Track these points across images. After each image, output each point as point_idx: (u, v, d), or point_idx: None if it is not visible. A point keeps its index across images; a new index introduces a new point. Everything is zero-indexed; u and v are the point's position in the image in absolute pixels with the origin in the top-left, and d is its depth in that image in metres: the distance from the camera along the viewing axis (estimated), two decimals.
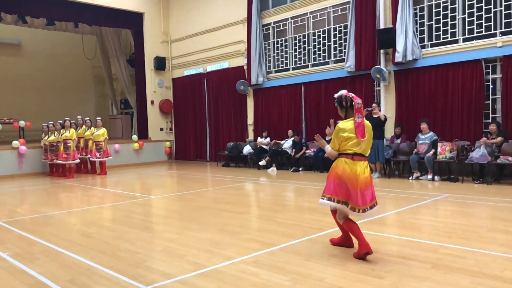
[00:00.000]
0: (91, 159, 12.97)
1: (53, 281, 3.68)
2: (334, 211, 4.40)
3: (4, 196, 9.38)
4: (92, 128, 13.05)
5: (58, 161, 12.27)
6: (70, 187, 10.40)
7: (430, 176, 9.22)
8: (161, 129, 17.15)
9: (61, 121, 12.75)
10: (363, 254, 3.97)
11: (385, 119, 9.91)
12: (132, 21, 16.42)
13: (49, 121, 13.34)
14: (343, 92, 4.36)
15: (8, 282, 3.72)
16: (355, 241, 4.25)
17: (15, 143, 13.01)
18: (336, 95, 4.37)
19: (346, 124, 4.19)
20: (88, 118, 13.42)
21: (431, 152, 9.19)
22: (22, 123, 14.62)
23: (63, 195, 9.24)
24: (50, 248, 4.75)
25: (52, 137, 12.63)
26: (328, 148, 4.33)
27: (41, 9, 14.40)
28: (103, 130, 12.93)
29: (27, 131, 15.16)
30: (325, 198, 4.25)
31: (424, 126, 9.59)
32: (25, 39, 19.44)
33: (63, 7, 14.54)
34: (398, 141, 10.30)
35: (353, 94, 4.29)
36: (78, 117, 13.48)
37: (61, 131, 12.40)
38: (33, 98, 19.26)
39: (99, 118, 13.53)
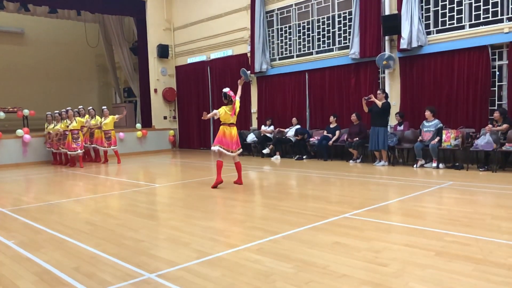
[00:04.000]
0: (101, 148, 12.88)
1: (58, 269, 3.70)
2: (218, 161, 7.73)
3: (9, 184, 9.44)
4: (98, 117, 12.95)
5: (69, 152, 12.11)
6: (74, 176, 10.44)
7: (434, 164, 9.18)
8: (165, 118, 17.14)
9: (64, 110, 12.71)
10: (217, 184, 7.62)
11: (384, 106, 9.72)
12: (134, 8, 16.31)
13: (52, 110, 13.37)
14: (227, 90, 7.81)
15: (14, 270, 3.75)
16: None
17: (19, 131, 13.05)
18: (224, 91, 7.83)
19: (227, 109, 7.70)
20: (91, 107, 13.29)
21: (436, 140, 9.14)
22: (26, 111, 14.64)
23: (68, 184, 9.28)
24: (55, 236, 4.78)
25: (58, 126, 12.55)
26: (216, 111, 7.76)
27: None
28: (111, 118, 12.81)
29: (31, 120, 15.17)
30: (216, 146, 7.65)
31: (428, 113, 9.51)
32: (28, 28, 19.35)
33: None
34: (401, 128, 10.23)
35: (232, 94, 7.73)
36: (80, 106, 13.44)
37: (66, 121, 12.28)
38: (36, 87, 19.26)
39: (105, 107, 13.37)
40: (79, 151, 12.03)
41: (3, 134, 12.84)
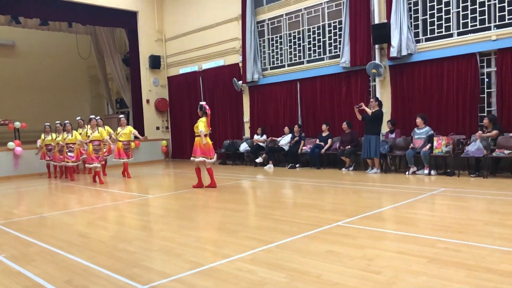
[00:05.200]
0: (121, 160, 11.70)
1: (49, 282, 3.66)
2: (198, 169, 8.83)
3: (0, 197, 9.34)
4: (107, 128, 11.82)
5: (86, 164, 11.08)
6: (67, 188, 10.37)
7: (426, 171, 9.23)
8: (157, 128, 17.11)
9: (66, 122, 12.00)
10: (199, 187, 8.75)
11: (375, 114, 9.77)
12: (126, 20, 16.35)
13: (44, 122, 13.21)
14: (203, 103, 8.79)
15: (4, 284, 3.70)
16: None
17: (11, 144, 12.95)
18: (200, 103, 8.80)
19: (204, 120, 8.54)
20: (98, 117, 11.66)
21: (427, 147, 9.21)
22: (17, 124, 14.55)
23: (60, 196, 9.21)
24: (46, 249, 4.73)
25: (69, 137, 11.79)
26: (202, 130, 8.44)
27: (34, 9, 14.32)
28: (129, 129, 11.79)
29: (22, 132, 15.08)
30: (201, 157, 8.56)
31: (419, 120, 9.58)
32: (19, 40, 19.32)
33: (56, 7, 14.47)
34: (393, 136, 10.30)
35: (207, 107, 8.70)
36: (97, 117, 12.24)
37: (87, 130, 10.99)
38: (28, 99, 19.16)
39: (122, 115, 12.44)
40: (96, 164, 10.74)
41: None
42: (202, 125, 8.45)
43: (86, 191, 9.79)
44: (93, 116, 11.24)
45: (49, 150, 12.55)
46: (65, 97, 20.62)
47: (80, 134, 11.55)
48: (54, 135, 12.43)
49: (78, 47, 19.45)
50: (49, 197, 9.15)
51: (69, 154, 11.74)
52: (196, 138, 8.69)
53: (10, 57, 19.41)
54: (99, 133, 10.80)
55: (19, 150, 12.96)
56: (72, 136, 11.70)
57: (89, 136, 10.80)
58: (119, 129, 11.91)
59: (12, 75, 19.04)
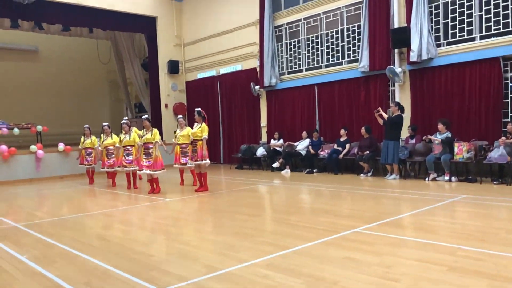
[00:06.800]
0: (176, 166, 10.09)
1: (69, 283, 3.72)
2: (205, 174, 9.22)
3: (22, 199, 9.54)
4: (155, 130, 9.52)
5: (148, 171, 9.23)
6: (86, 191, 10.52)
7: (447, 177, 9.07)
8: (175, 132, 17.21)
9: (103, 123, 11.50)
10: (203, 191, 9.04)
11: (392, 119, 9.67)
12: (145, 25, 16.58)
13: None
14: (200, 109, 9.17)
15: (26, 285, 3.78)
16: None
17: (33, 147, 13.24)
18: (197, 109, 9.15)
19: (206, 126, 9.05)
20: (146, 116, 9.92)
21: (437, 141, 9.08)
22: (39, 128, 14.85)
23: (80, 199, 9.35)
24: (67, 251, 4.81)
25: (109, 140, 11.08)
26: (206, 137, 8.97)
27: (56, 16, 14.66)
28: (187, 130, 9.63)
29: (44, 136, 15.38)
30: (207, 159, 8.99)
31: (440, 126, 9.42)
32: (42, 45, 19.76)
33: (78, 13, 14.76)
34: (413, 141, 10.16)
35: (204, 113, 9.15)
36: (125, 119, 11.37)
37: (142, 131, 9.56)
38: (49, 103, 19.56)
39: (181, 116, 10.43)
40: (152, 171, 9.20)
41: (17, 150, 13.04)
42: (206, 132, 8.95)
43: (105, 194, 9.92)
44: (146, 116, 9.83)
45: (88, 154, 11.69)
46: (85, 101, 20.99)
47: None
48: (94, 138, 11.64)
49: (98, 52, 19.78)
50: (69, 200, 9.29)
51: (127, 158, 10.48)
52: (198, 143, 8.98)
53: (33, 62, 19.87)
54: (152, 134, 9.32)
55: (41, 153, 13.23)
56: (130, 138, 10.41)
57: (142, 137, 9.43)
58: (177, 131, 10.17)
59: (35, 79, 19.48)
